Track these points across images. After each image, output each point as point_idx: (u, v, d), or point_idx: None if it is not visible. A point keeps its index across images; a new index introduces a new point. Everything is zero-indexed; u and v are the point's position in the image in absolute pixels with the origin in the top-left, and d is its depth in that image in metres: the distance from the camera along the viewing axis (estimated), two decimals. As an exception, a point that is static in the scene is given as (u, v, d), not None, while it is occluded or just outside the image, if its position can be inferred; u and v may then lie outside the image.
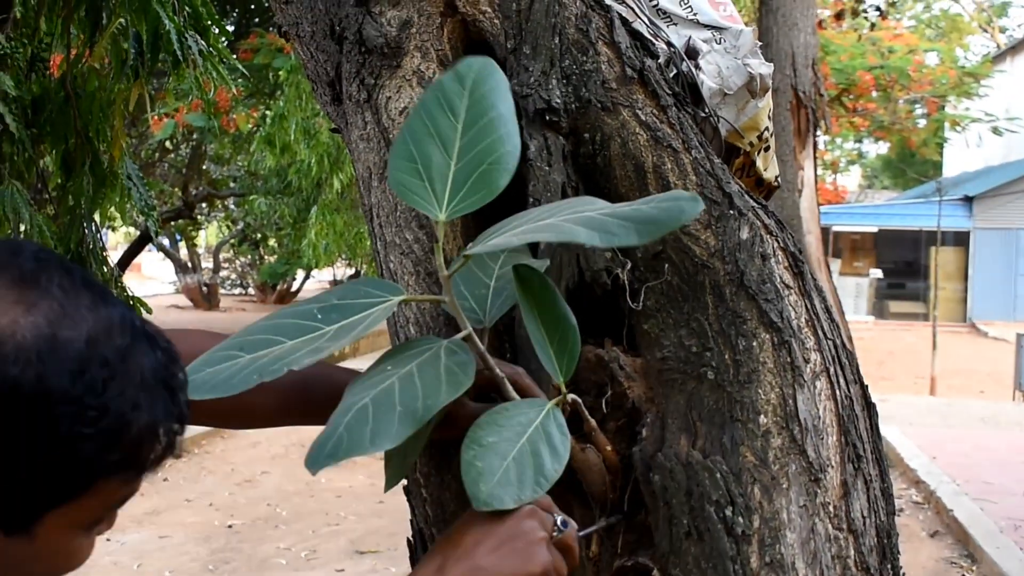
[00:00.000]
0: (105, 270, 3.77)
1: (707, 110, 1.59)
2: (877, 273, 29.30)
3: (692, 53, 1.61)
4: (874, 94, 17.99)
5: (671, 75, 1.54)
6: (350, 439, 1.11)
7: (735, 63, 1.63)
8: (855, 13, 18.45)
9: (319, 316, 1.21)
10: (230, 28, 15.58)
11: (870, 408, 1.44)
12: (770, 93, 1.69)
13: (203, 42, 3.97)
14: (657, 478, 1.35)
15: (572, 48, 1.48)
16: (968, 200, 27.86)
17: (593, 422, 1.36)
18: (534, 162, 1.44)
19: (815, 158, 7.65)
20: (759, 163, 1.71)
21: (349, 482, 8.98)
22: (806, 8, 7.50)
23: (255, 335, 1.21)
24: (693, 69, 1.60)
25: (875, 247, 30.78)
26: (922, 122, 20.44)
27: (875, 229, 30.45)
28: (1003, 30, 37.94)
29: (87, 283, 0.89)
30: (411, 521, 1.55)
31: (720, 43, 1.64)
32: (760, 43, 1.70)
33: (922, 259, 27.92)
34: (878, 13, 19.34)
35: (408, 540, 1.57)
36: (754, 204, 1.46)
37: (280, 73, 11.24)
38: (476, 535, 1.13)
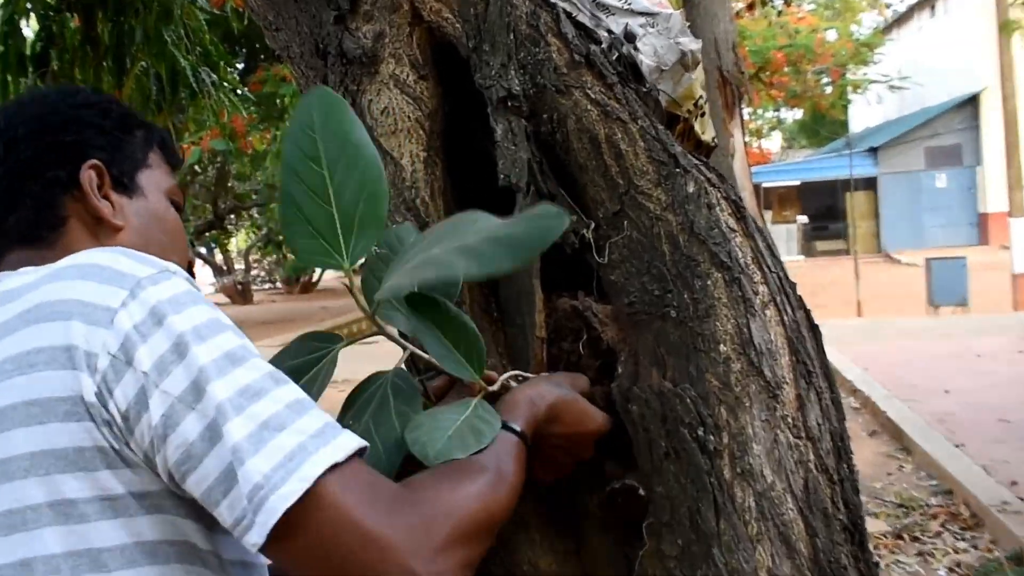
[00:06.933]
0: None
1: (648, 85, 1.54)
2: (803, 219, 29.44)
3: (630, 37, 1.55)
4: (786, 69, 18.05)
5: (614, 58, 1.48)
6: None
7: (668, 42, 1.57)
8: (764, 3, 18.47)
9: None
10: (240, 64, 15.46)
11: (814, 330, 1.39)
12: (701, 66, 1.63)
13: (215, 75, 3.99)
14: (635, 408, 1.29)
15: (525, 42, 1.41)
16: (873, 151, 28.14)
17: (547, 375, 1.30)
18: (502, 143, 1.38)
19: (742, 127, 7.62)
20: (697, 127, 1.65)
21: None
22: (723, 1, 7.45)
23: None
24: (632, 51, 1.55)
25: (799, 197, 30.96)
26: (828, 88, 20.50)
27: (798, 182, 30.65)
28: (888, 6, 38.18)
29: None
30: None
31: (654, 27, 1.58)
32: (688, 23, 1.64)
33: (839, 204, 28.17)
34: (783, 1, 19.43)
35: None
36: (697, 162, 1.40)
37: (285, 99, 11.21)
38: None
